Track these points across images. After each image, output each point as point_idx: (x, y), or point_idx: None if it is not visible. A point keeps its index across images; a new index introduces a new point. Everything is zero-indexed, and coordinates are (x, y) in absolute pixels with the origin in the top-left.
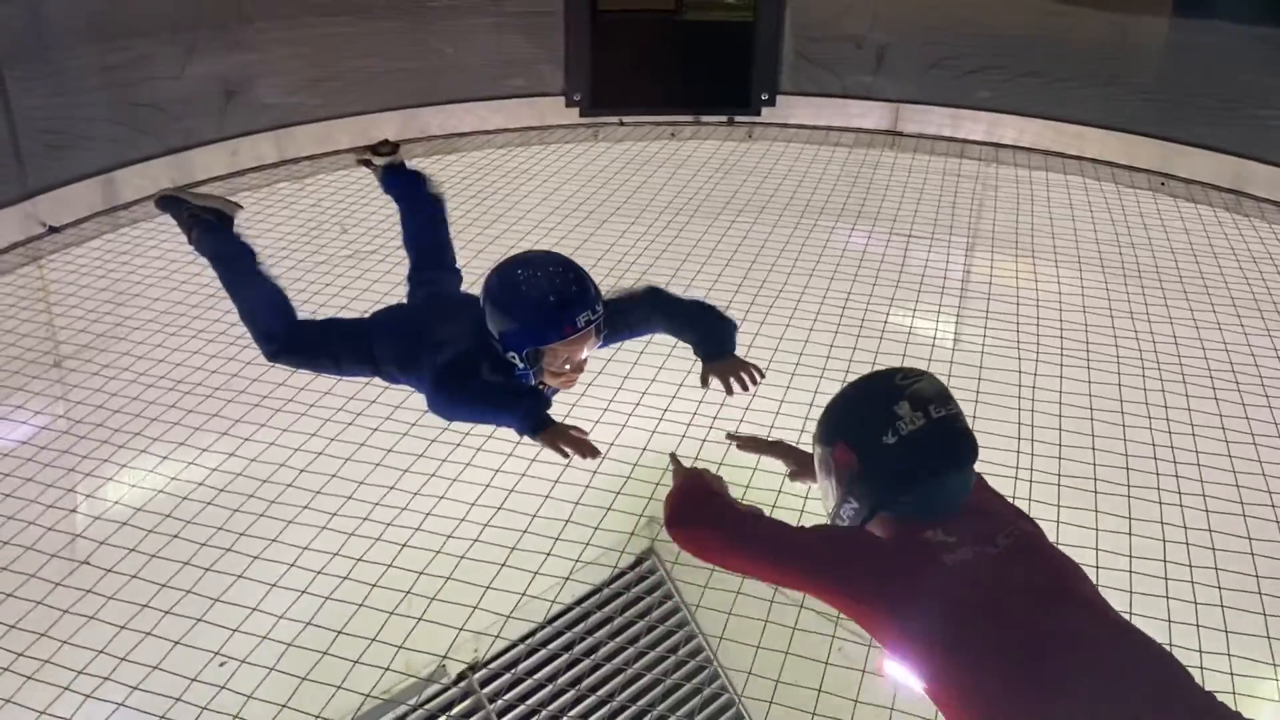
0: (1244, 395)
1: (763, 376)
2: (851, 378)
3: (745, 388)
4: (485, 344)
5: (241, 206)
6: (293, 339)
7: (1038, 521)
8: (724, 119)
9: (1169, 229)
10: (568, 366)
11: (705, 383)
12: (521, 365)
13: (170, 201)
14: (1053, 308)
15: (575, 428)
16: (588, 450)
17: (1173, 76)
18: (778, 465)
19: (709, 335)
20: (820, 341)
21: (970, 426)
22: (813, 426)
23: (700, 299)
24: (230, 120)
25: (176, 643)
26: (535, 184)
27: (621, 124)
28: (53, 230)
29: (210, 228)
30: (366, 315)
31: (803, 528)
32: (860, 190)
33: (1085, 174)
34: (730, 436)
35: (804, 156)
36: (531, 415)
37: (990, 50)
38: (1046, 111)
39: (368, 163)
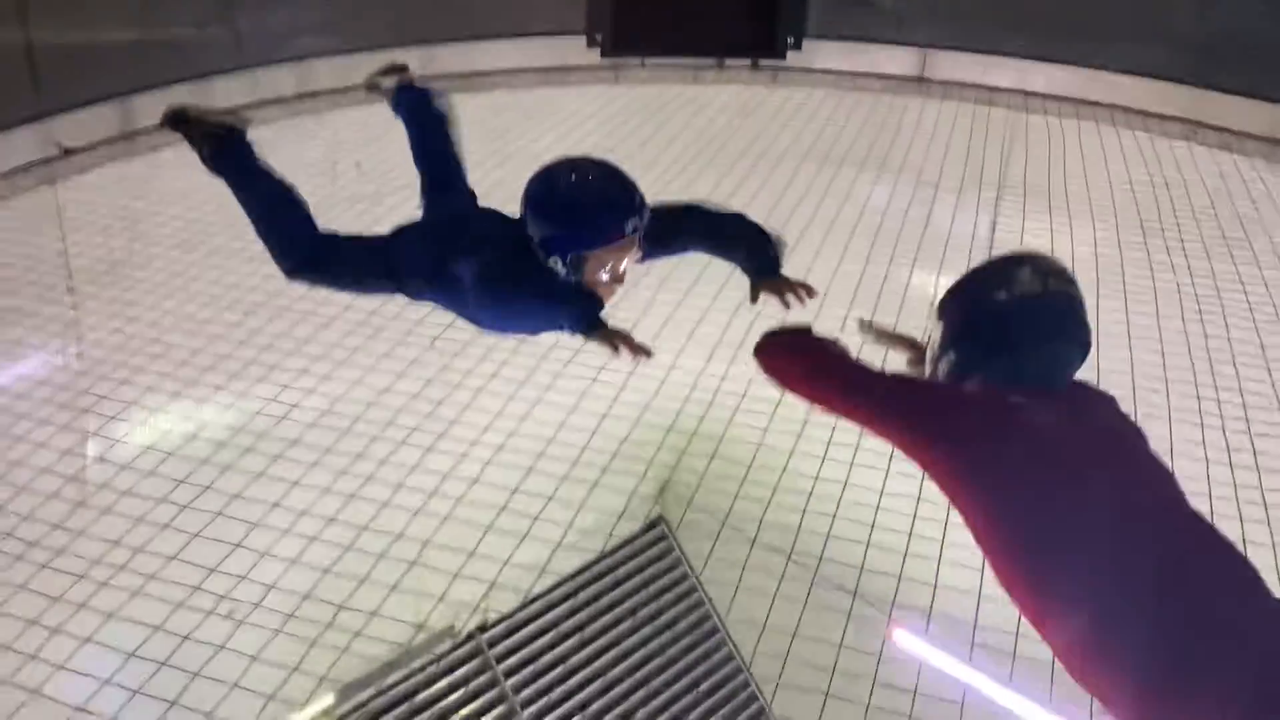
0: None
1: (813, 294)
2: (880, 315)
3: (802, 301)
4: (524, 251)
5: (251, 122)
6: (313, 255)
7: None
8: (748, 63)
9: (1204, 174)
10: (606, 277)
11: (755, 298)
12: (563, 272)
13: (179, 118)
14: (1086, 246)
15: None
16: (641, 350)
17: (1206, 23)
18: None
19: (756, 254)
20: (850, 272)
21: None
22: None
23: (740, 213)
24: (249, 51)
25: (196, 534)
26: (553, 124)
27: (643, 66)
28: (68, 152)
29: (224, 143)
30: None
31: (881, 371)
32: (887, 136)
33: (1116, 122)
34: (862, 323)
35: (828, 102)
36: (588, 311)
37: (1020, 3)
38: (1077, 58)
39: (376, 86)
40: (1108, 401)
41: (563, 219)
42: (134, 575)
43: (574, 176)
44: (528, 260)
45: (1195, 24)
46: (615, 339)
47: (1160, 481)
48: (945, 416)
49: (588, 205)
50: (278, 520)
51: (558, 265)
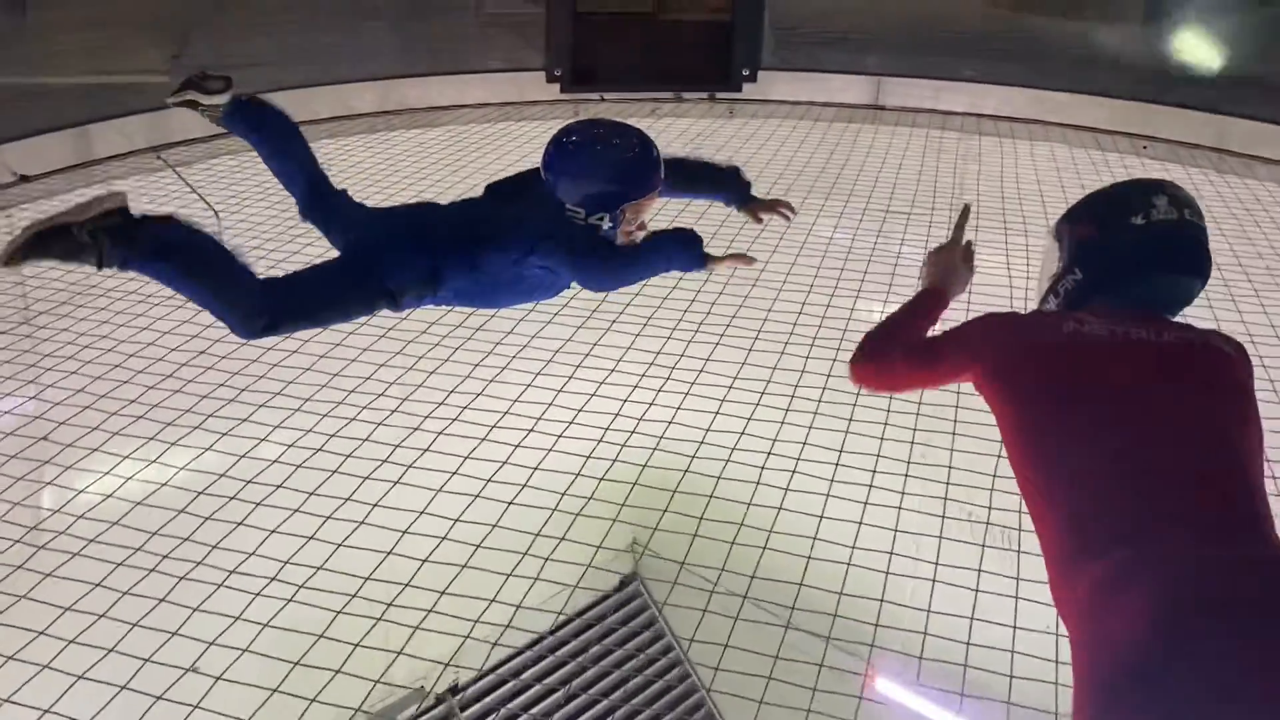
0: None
1: (794, 210)
2: (842, 343)
3: (794, 211)
4: (558, 219)
5: (123, 192)
6: (282, 304)
7: None
8: (705, 95)
9: None
10: (634, 227)
11: (758, 219)
12: (609, 225)
13: (46, 239)
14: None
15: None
16: (749, 260)
17: (1149, 44)
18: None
19: (735, 186)
20: (812, 314)
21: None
22: (797, 403)
23: (704, 159)
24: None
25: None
26: (513, 158)
27: (602, 100)
28: (24, 179)
29: (124, 233)
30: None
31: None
32: (839, 162)
33: (1069, 141)
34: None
35: (781, 131)
36: (701, 245)
37: (967, 39)
38: (1028, 80)
39: (192, 104)
40: (1215, 349)
41: (615, 175)
42: (94, 631)
43: (609, 138)
44: (571, 225)
45: (1139, 45)
46: (727, 263)
47: (1230, 407)
48: (990, 351)
49: (636, 160)
50: (237, 580)
51: (604, 221)
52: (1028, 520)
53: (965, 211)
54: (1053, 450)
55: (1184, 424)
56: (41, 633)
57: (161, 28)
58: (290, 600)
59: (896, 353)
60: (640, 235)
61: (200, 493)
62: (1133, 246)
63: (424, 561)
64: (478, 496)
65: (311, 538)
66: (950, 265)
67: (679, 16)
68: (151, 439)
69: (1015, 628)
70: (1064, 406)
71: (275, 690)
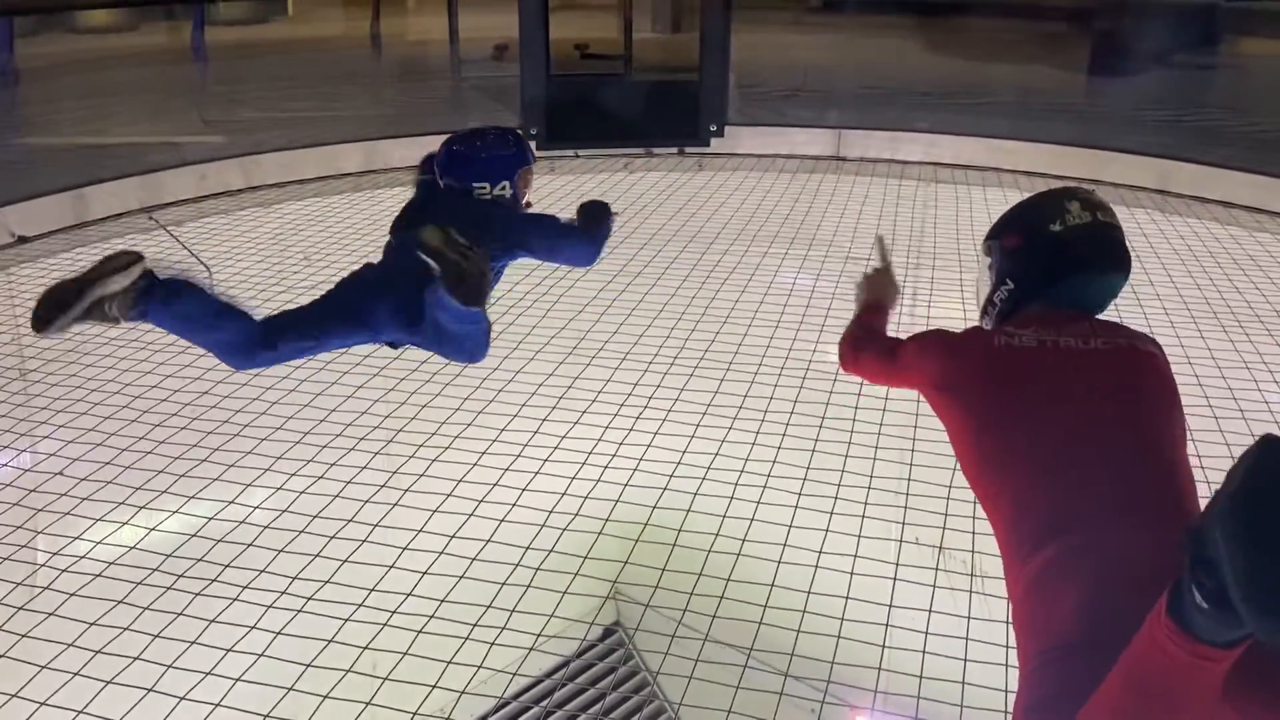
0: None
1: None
2: (811, 383)
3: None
4: (492, 210)
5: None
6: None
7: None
8: (675, 150)
9: None
10: (524, 197)
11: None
12: (510, 192)
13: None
14: None
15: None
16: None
17: (1093, 94)
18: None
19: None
20: (757, 340)
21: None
22: (767, 436)
23: None
24: (198, 147)
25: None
26: None
27: (577, 156)
28: (22, 240)
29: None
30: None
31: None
32: (802, 210)
33: (1020, 186)
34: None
35: (747, 183)
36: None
37: (920, 92)
38: (980, 130)
39: (99, 304)
40: (1142, 351)
41: (505, 151)
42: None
43: (484, 132)
44: (497, 208)
45: (1083, 95)
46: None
47: (1152, 408)
48: (932, 363)
49: (513, 141)
50: (216, 637)
51: (506, 190)
52: (981, 541)
53: (881, 241)
54: (992, 459)
55: (1113, 423)
56: (45, 667)
57: (153, 96)
58: (278, 635)
59: (869, 351)
60: (531, 206)
61: (194, 534)
62: (1055, 253)
63: (386, 621)
64: (529, 619)
65: (296, 576)
66: (886, 283)
67: (648, 77)
68: (160, 472)
69: (966, 660)
70: (999, 417)
71: None
